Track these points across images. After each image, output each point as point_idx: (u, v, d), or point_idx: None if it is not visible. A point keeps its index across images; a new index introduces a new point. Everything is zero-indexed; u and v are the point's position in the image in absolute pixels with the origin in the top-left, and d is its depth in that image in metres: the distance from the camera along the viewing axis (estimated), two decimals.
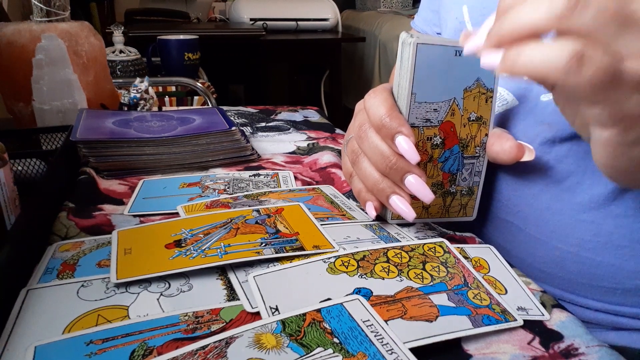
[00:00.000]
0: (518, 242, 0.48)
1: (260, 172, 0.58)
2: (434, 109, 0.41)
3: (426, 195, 0.40)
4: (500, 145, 0.42)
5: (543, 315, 0.34)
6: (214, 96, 1.42)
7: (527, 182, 0.46)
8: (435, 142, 0.43)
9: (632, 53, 0.26)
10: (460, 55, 0.40)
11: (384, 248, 0.39)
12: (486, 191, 0.48)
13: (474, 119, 0.43)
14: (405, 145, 0.39)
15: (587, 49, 0.25)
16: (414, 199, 0.41)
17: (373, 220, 0.46)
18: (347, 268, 0.37)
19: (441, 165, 0.44)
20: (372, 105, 0.41)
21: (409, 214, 0.41)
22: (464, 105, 0.42)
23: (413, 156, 0.39)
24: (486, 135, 0.44)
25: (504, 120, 0.47)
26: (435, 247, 0.40)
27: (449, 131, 0.43)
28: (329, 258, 0.38)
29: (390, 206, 0.42)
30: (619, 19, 0.26)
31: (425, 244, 0.40)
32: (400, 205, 0.41)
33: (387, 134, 0.39)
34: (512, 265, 0.40)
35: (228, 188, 0.53)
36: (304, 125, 0.81)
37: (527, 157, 0.42)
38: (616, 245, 0.42)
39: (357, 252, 0.38)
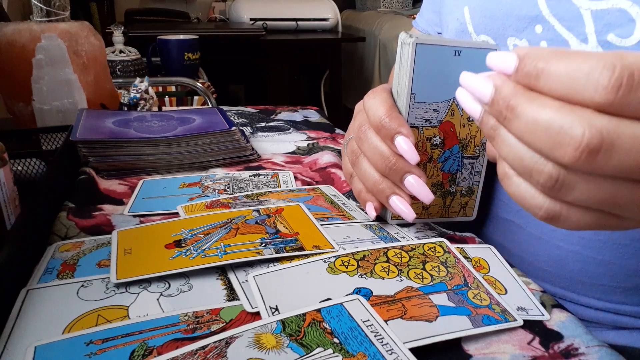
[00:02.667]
0: (519, 241, 0.48)
1: (260, 172, 0.58)
2: (434, 109, 0.41)
3: (426, 195, 0.40)
4: None
5: (543, 315, 0.34)
6: (214, 96, 1.42)
7: None
8: (434, 142, 0.43)
9: None
10: (459, 55, 0.40)
11: (384, 248, 0.39)
12: (487, 190, 0.48)
13: None
14: (405, 145, 0.39)
15: None
16: (414, 199, 0.41)
17: (373, 221, 0.46)
18: (347, 268, 0.37)
19: (441, 166, 0.44)
20: (372, 106, 0.41)
21: (409, 214, 0.41)
22: None
23: (413, 156, 0.39)
24: None
25: None
26: (435, 247, 0.40)
27: (448, 131, 0.43)
28: (329, 258, 0.38)
29: (390, 207, 0.42)
30: None
31: (425, 243, 0.40)
32: (400, 205, 0.41)
33: (386, 135, 0.39)
34: (512, 265, 0.40)
35: (228, 188, 0.53)
36: (304, 125, 0.81)
37: None
38: (617, 244, 0.42)
39: (357, 252, 0.38)
